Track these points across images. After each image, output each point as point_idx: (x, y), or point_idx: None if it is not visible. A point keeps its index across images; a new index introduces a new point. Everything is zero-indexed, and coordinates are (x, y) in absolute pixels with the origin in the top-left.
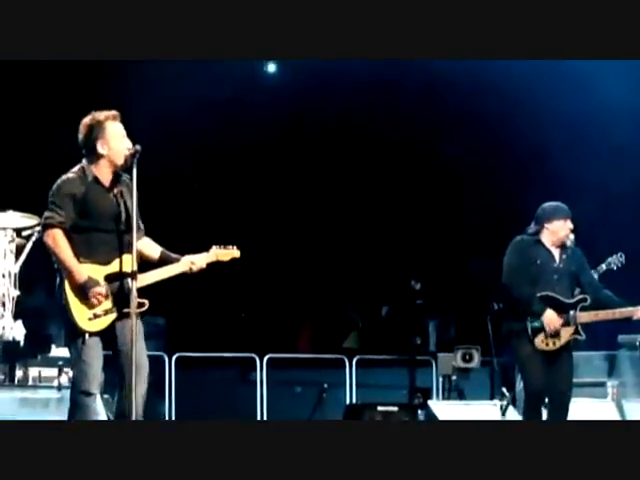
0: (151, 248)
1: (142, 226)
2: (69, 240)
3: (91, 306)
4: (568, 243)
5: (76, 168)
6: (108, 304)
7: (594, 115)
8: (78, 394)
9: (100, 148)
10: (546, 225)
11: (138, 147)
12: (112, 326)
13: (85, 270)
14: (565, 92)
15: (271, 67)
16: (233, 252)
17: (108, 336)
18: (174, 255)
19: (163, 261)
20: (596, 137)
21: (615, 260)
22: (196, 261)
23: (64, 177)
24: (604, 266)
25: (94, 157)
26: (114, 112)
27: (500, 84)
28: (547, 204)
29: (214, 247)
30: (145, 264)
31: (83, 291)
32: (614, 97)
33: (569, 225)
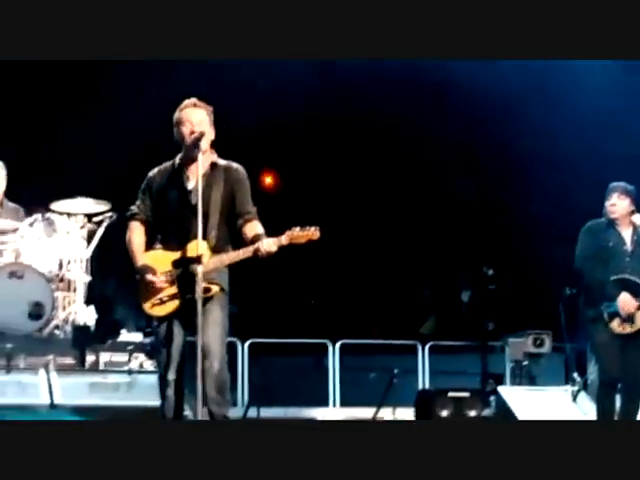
0: (248, 232)
1: (252, 209)
2: (147, 230)
3: (156, 291)
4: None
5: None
6: (173, 289)
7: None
8: (158, 379)
9: (175, 136)
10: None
11: (200, 130)
12: (188, 312)
13: (155, 257)
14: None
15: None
16: (310, 233)
17: (187, 322)
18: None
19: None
20: None
21: None
22: (264, 245)
23: (154, 169)
24: None
25: (180, 146)
26: (191, 100)
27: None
28: None
29: (290, 230)
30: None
31: (142, 278)
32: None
33: (613, 200)
